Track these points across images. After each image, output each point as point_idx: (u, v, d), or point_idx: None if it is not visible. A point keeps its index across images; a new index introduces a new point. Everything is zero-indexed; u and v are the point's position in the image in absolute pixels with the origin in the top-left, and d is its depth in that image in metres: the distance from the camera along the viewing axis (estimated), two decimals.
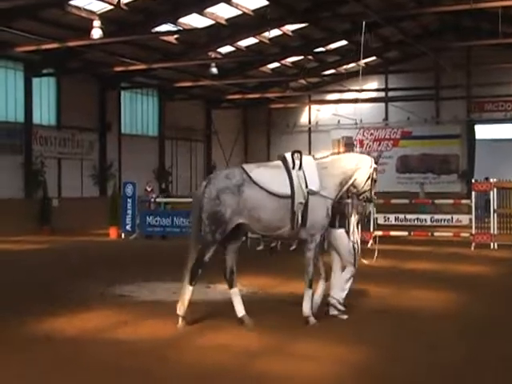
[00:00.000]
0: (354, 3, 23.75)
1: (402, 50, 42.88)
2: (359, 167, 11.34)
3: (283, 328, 10.66)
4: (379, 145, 47.87)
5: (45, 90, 34.91)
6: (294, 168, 10.89)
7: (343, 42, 39.77)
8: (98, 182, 37.53)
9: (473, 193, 23.79)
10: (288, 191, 10.70)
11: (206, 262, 10.87)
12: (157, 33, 30.98)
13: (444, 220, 25.97)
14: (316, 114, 50.13)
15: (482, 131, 46.29)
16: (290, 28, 35.41)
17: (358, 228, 12.19)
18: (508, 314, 12.04)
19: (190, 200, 31.54)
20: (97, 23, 25.62)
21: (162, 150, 42.98)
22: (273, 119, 50.99)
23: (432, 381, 8.18)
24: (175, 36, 33.15)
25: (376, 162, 11.58)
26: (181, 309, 10.74)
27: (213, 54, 36.13)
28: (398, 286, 14.82)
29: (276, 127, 50.84)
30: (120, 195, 29.20)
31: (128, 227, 27.93)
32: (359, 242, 12.05)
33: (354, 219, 11.82)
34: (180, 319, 10.72)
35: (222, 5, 30.65)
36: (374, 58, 44.73)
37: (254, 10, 31.65)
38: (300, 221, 10.78)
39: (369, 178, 11.41)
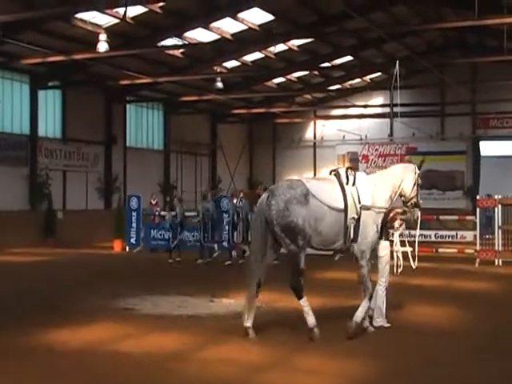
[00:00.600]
0: (359, 19, 23.79)
1: (406, 66, 42.88)
2: (405, 176, 11.72)
3: (286, 342, 10.64)
4: (384, 160, 47.84)
5: (50, 102, 34.98)
6: (347, 184, 11.14)
7: (349, 58, 39.81)
8: (103, 194, 37.53)
9: (477, 209, 23.74)
10: (342, 206, 10.93)
11: (303, 269, 11.04)
12: (162, 47, 31.07)
13: (448, 236, 25.95)
14: (321, 129, 50.15)
15: (487, 148, 46.25)
16: (295, 43, 35.45)
17: (399, 238, 12.57)
18: (510, 329, 11.98)
19: (194, 214, 31.61)
20: (103, 37, 25.69)
21: (167, 164, 42.99)
22: (278, 134, 50.99)
23: None
24: (181, 50, 33.24)
25: (419, 168, 11.89)
26: (247, 320, 10.94)
27: (218, 69, 36.20)
28: (402, 301, 14.75)
29: (281, 142, 50.84)
30: (125, 208, 29.21)
31: (132, 240, 27.94)
32: (400, 252, 12.59)
33: (397, 231, 12.45)
34: (250, 331, 10.87)
35: (228, 19, 30.71)
36: (379, 73, 44.81)
37: (259, 25, 31.70)
38: (352, 236, 11.04)
39: (414, 184, 11.78)
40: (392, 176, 11.70)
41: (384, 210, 11.41)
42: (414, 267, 12.80)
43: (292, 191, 10.74)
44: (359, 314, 11.14)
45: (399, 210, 12.30)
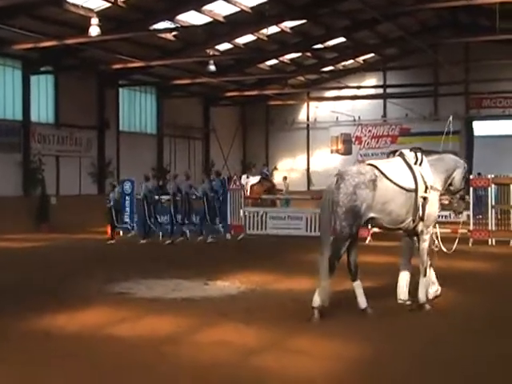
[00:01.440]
0: (352, 0, 23.75)
1: (400, 47, 42.84)
2: (457, 167, 12.33)
3: (281, 324, 10.68)
4: (377, 142, 47.88)
5: (43, 87, 34.88)
6: (416, 163, 11.66)
7: (342, 39, 39.74)
8: (96, 179, 37.51)
9: (471, 189, 23.76)
10: (412, 185, 11.42)
11: (342, 254, 11.24)
12: (155, 30, 30.97)
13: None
14: (314, 110, 50.14)
15: (481, 128, 46.28)
16: (288, 25, 35.39)
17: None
18: (507, 310, 12.03)
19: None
20: (95, 21, 25.59)
21: (161, 148, 42.95)
22: (271, 116, 50.96)
23: (430, 377, 8.19)
24: (173, 33, 33.14)
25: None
26: (316, 301, 10.95)
27: (211, 52, 36.10)
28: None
29: (274, 124, 50.81)
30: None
31: (126, 225, 27.91)
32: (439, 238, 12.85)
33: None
34: (316, 311, 10.90)
35: (220, 2, 30.63)
36: (372, 54, 44.77)
37: (252, 7, 31.63)
38: (421, 214, 11.51)
39: (463, 177, 12.38)
40: (446, 164, 12.25)
41: (441, 191, 12.02)
42: (445, 251, 13.09)
43: (361, 176, 11.14)
44: (422, 293, 11.73)
45: (445, 201, 13.17)
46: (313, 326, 10.53)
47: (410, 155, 11.75)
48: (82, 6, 27.96)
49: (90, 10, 28.07)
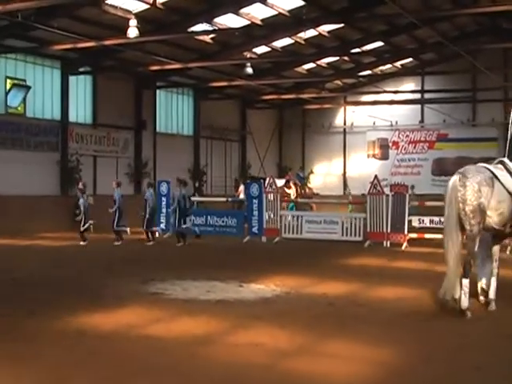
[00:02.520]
0: (390, 4, 23.60)
1: (438, 52, 42.57)
2: None
3: (315, 328, 10.66)
4: (415, 147, 47.58)
5: (81, 88, 35.15)
6: None
7: (379, 44, 39.57)
8: (132, 180, 37.71)
9: None
10: None
11: (474, 253, 11.67)
12: (192, 32, 31.04)
13: None
14: (351, 115, 49.92)
15: None
16: (325, 28, 35.28)
17: None
18: None
19: (224, 200, 31.73)
20: (133, 22, 25.74)
21: (197, 149, 43.05)
22: (308, 120, 50.85)
23: (463, 382, 8.12)
24: (211, 36, 33.20)
25: None
26: (465, 302, 11.31)
27: (248, 54, 36.13)
28: (432, 288, 14.69)
29: (311, 128, 50.69)
30: (155, 193, 29.32)
31: (162, 225, 28.06)
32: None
33: None
34: (468, 312, 11.30)
35: (258, 5, 30.64)
36: (410, 59, 44.53)
37: (289, 11, 31.58)
38: None
39: None
40: None
41: None
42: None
43: (481, 174, 11.56)
44: (492, 293, 12.25)
45: None
46: (347, 330, 10.49)
47: (510, 164, 12.07)
48: (120, 8, 28.13)
49: (129, 11, 28.22)
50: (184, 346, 9.40)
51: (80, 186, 25.96)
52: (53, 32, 26.58)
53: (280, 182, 33.80)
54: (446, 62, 43.13)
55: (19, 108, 31.49)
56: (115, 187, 25.49)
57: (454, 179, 11.60)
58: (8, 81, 30.99)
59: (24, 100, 31.51)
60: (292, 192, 33.99)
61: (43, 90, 32.84)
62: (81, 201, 25.11)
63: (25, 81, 31.66)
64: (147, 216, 25.32)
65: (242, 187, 34.57)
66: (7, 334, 10.06)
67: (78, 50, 30.76)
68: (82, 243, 24.43)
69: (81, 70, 34.48)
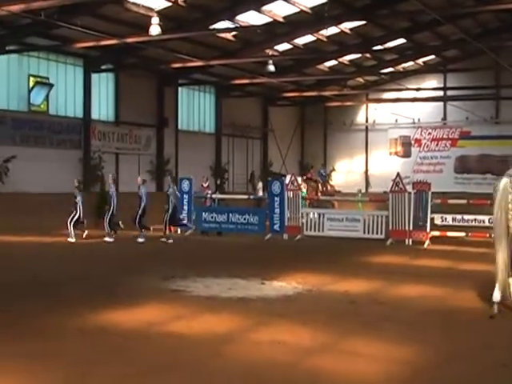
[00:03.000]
0: (413, 1, 23.50)
1: (461, 49, 42.33)
2: None
3: (337, 326, 10.63)
4: (437, 145, 47.38)
5: (103, 85, 35.30)
6: None
7: (402, 41, 39.42)
8: (154, 177, 37.81)
9: None
10: None
11: None
12: (214, 30, 31.09)
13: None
14: (373, 112, 49.81)
15: None
16: (347, 26, 35.22)
17: None
18: None
19: (245, 197, 31.75)
20: (155, 20, 25.79)
21: (219, 147, 43.14)
22: (329, 117, 50.81)
23: (488, 381, 8.06)
24: (233, 33, 33.24)
25: None
26: (497, 297, 11.33)
27: (270, 52, 36.12)
28: (455, 286, 14.63)
29: (333, 125, 50.66)
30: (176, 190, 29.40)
31: (184, 222, 28.09)
32: None
33: None
34: (496, 306, 11.29)
35: (280, 2, 30.63)
36: (432, 56, 44.33)
37: (311, 8, 31.56)
38: None
39: None
40: None
41: None
42: None
43: None
44: None
45: None
46: (369, 328, 10.45)
47: None
48: (142, 6, 28.22)
49: (151, 9, 28.30)
50: (206, 344, 9.39)
51: (111, 178, 26.07)
52: (75, 30, 26.69)
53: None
54: (469, 59, 42.94)
55: (42, 106, 31.70)
56: (141, 184, 25.53)
57: (505, 181, 11.51)
58: (31, 79, 31.20)
59: (47, 98, 31.71)
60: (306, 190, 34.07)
61: (66, 88, 33.02)
62: (112, 192, 25.32)
63: (48, 79, 31.86)
64: (170, 211, 25.32)
65: (260, 184, 34.55)
66: (27, 331, 10.10)
67: (100, 47, 30.93)
68: (107, 239, 24.57)
69: (103, 67, 34.64)
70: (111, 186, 25.55)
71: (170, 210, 25.36)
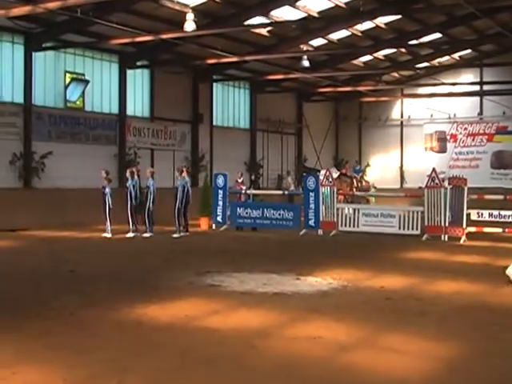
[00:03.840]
0: None
1: (497, 43, 41.92)
2: None
3: (372, 321, 10.61)
4: (473, 140, 46.98)
5: (139, 81, 35.45)
6: None
7: (437, 35, 39.14)
8: (190, 173, 37.90)
9: None
10: None
11: None
12: (249, 25, 31.06)
13: None
14: (408, 107, 49.52)
15: None
16: (382, 20, 35.03)
17: None
18: None
19: (280, 192, 31.88)
20: (190, 16, 25.83)
21: (254, 142, 43.14)
22: (364, 112, 50.60)
23: None
24: (267, 28, 33.19)
25: None
26: None
27: (304, 47, 36.02)
28: (491, 283, 14.54)
29: (367, 121, 50.44)
30: (211, 186, 29.51)
31: (219, 218, 28.21)
32: None
33: None
34: None
35: None
36: (468, 51, 43.96)
37: (346, 3, 31.42)
38: None
39: None
40: None
41: None
42: None
43: None
44: None
45: None
46: (405, 324, 10.43)
47: None
48: (177, 2, 28.27)
49: (185, 5, 28.35)
50: (242, 339, 9.43)
51: (149, 172, 26.27)
52: (111, 27, 26.82)
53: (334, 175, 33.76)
54: (506, 53, 42.51)
55: (78, 102, 31.90)
56: (149, 176, 25.77)
57: None
58: (67, 75, 31.41)
59: (83, 94, 31.91)
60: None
61: (101, 84, 33.21)
62: (151, 186, 25.58)
63: (83, 75, 32.05)
64: (178, 204, 25.41)
65: (289, 178, 34.45)
66: (66, 325, 10.21)
67: (135, 44, 31.08)
68: (146, 235, 24.93)
69: (138, 63, 34.76)
70: (150, 180, 25.73)
71: (178, 203, 25.39)
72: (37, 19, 28.10)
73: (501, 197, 26.06)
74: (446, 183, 25.03)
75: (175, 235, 24.77)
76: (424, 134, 48.17)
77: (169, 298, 12.27)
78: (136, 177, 25.86)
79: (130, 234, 24.78)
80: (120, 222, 25.18)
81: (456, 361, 8.53)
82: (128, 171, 26.15)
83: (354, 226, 26.17)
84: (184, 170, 26.49)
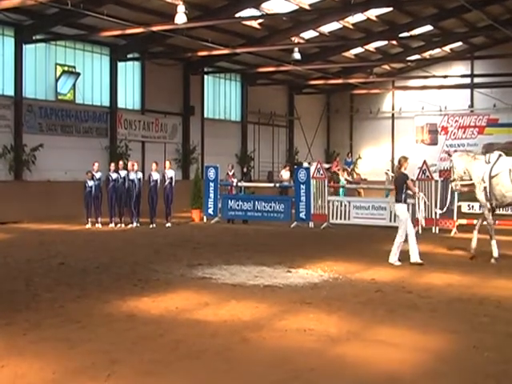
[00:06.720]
0: None
1: (488, 36, 41.97)
2: None
3: (363, 314, 10.63)
4: (464, 132, 47.04)
5: (129, 74, 35.38)
6: None
7: (428, 27, 39.16)
8: (180, 165, 37.88)
9: None
10: None
11: None
12: (240, 18, 31.01)
13: None
14: (399, 100, 49.55)
15: None
16: (373, 13, 35.02)
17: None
18: None
19: (271, 185, 31.83)
20: (181, 8, 25.78)
21: (245, 135, 43.13)
22: (355, 105, 50.64)
23: None
24: (258, 21, 33.16)
25: None
26: None
27: (296, 39, 36.01)
28: (481, 275, 14.58)
29: (359, 113, 50.49)
30: (202, 179, 29.50)
31: (210, 211, 28.19)
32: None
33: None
34: None
35: None
36: (459, 43, 44.00)
37: None
38: None
39: None
40: None
41: None
42: None
43: None
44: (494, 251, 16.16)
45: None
46: (396, 316, 10.45)
47: None
48: None
49: None
50: (233, 331, 9.44)
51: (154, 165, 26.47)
52: (101, 19, 26.73)
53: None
54: (497, 46, 42.57)
55: (69, 94, 31.84)
56: (132, 171, 25.98)
57: None
58: (58, 68, 31.34)
59: (74, 87, 31.85)
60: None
61: (92, 77, 33.14)
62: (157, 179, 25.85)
63: (74, 67, 31.99)
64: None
65: (283, 171, 34.46)
66: (56, 318, 10.20)
67: (126, 36, 31.04)
68: (168, 224, 25.59)
69: (129, 56, 34.69)
70: (152, 173, 25.95)
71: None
72: (27, 11, 28.02)
73: None
74: (436, 175, 25.10)
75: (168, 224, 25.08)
76: (415, 126, 48.20)
77: (160, 291, 12.27)
78: (125, 170, 26.10)
79: (150, 225, 25.34)
80: (105, 215, 25.32)
81: (446, 353, 8.56)
82: (155, 165, 26.26)
83: (345, 218, 26.21)
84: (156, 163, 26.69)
